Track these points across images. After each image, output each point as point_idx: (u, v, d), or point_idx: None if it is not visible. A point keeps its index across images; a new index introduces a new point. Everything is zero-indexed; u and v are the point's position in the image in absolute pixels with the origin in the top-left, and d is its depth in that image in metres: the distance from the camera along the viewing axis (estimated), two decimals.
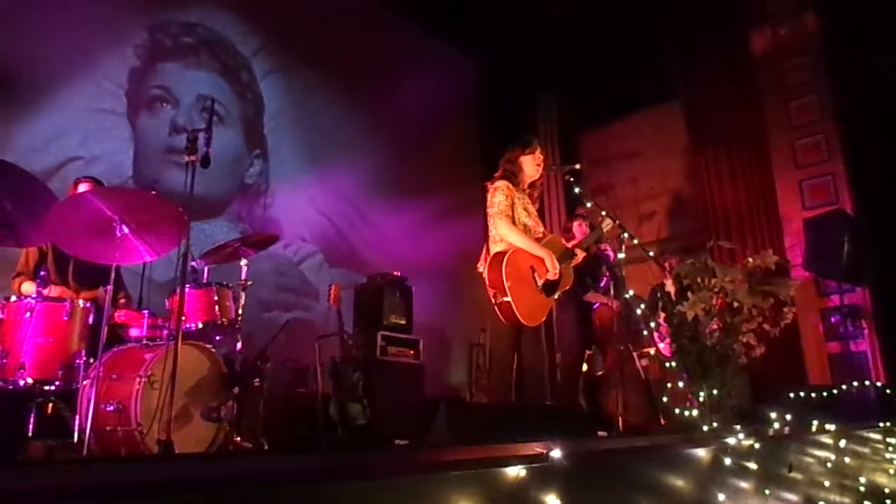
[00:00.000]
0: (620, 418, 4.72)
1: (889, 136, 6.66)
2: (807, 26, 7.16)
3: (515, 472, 1.68)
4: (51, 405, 3.34)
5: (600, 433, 4.22)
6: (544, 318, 3.88)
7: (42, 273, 3.51)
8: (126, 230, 3.34)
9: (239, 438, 3.79)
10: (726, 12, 7.42)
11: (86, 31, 5.51)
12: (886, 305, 6.45)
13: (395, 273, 6.40)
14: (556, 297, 3.95)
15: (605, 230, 4.36)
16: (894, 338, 6.37)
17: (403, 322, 6.27)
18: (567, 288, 4.03)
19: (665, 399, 4.42)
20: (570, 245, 4.16)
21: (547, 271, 3.79)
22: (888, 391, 5.53)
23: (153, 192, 3.74)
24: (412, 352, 6.17)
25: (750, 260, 3.75)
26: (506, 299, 3.62)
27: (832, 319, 6.54)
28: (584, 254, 4.17)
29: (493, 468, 1.65)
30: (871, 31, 6.97)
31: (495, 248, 3.84)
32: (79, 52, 5.46)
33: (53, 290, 3.79)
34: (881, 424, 4.44)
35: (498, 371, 3.97)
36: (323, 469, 1.66)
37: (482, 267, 3.82)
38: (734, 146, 7.45)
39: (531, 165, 4.06)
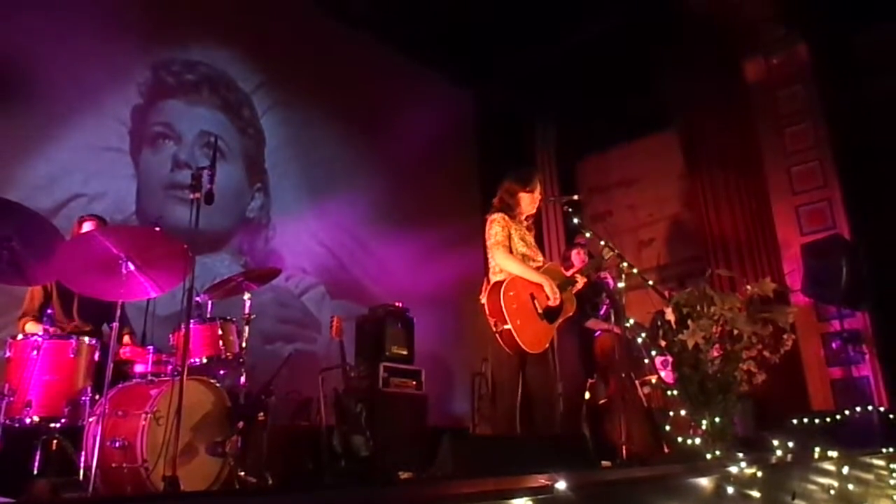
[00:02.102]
0: (624, 447, 4.72)
1: (883, 160, 6.72)
2: (799, 56, 7.28)
3: None
4: (55, 442, 3.36)
5: (604, 463, 4.23)
6: (548, 345, 3.91)
7: (49, 311, 3.55)
8: (132, 267, 3.38)
9: (243, 473, 3.78)
10: (721, 43, 7.51)
11: (89, 69, 5.60)
12: (887, 329, 6.45)
13: (397, 304, 6.41)
14: (558, 323, 3.98)
15: (606, 259, 4.39)
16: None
17: (405, 353, 6.25)
18: (570, 314, 4.07)
19: (668, 427, 4.41)
20: (569, 273, 4.19)
21: (547, 298, 3.82)
22: (891, 416, 5.52)
23: (158, 230, 3.79)
24: (414, 382, 6.16)
25: (748, 288, 3.79)
26: (506, 327, 3.66)
27: (833, 345, 6.52)
28: (584, 279, 4.21)
29: (499, 500, 1.67)
30: (861, 58, 7.08)
31: (495, 278, 3.88)
32: (82, 90, 5.55)
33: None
34: (884, 450, 4.43)
35: (501, 400, 3.98)
36: None
37: (484, 298, 3.86)
38: (731, 173, 7.51)
39: (529, 203, 4.12)
